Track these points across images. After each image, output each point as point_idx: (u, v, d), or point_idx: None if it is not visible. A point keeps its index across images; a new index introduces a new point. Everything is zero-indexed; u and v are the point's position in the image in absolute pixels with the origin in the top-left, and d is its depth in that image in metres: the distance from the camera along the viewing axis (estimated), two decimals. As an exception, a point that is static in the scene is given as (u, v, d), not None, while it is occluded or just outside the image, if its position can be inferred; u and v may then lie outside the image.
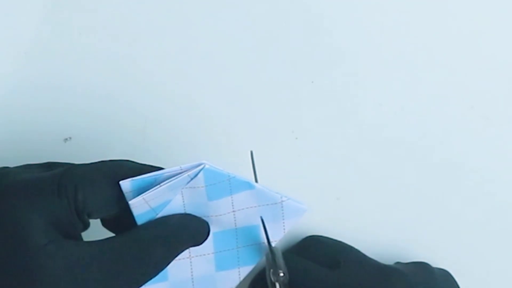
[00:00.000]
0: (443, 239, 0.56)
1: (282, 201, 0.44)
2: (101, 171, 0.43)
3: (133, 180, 0.42)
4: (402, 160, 0.55)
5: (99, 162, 0.43)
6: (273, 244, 0.46)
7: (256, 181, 0.45)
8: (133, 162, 0.44)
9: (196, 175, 0.42)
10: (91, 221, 0.45)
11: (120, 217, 0.43)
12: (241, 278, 0.46)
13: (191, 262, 0.45)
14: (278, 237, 0.45)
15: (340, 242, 0.55)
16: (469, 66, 0.55)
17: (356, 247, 0.54)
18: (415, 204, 0.55)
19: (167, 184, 0.42)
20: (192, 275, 0.45)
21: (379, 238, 0.56)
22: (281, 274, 0.46)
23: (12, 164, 0.47)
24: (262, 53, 0.55)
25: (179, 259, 0.44)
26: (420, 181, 0.55)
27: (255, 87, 0.54)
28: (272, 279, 0.46)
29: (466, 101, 0.55)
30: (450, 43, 0.55)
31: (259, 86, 0.54)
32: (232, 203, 0.44)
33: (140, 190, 0.42)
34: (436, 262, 0.55)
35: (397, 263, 0.55)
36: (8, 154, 0.55)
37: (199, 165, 0.42)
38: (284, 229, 0.46)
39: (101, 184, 0.42)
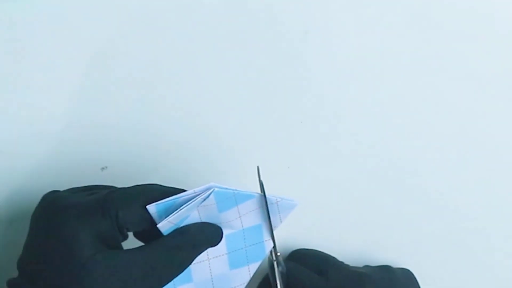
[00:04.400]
0: (406, 244, 0.62)
1: (277, 201, 0.49)
2: (136, 194, 0.47)
3: (157, 204, 0.46)
4: (373, 188, 0.60)
5: (134, 186, 0.48)
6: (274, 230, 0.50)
7: (263, 191, 0.49)
8: (159, 185, 0.48)
9: (207, 197, 0.46)
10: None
11: (149, 229, 0.48)
12: (251, 275, 0.50)
13: (209, 264, 0.49)
14: (276, 225, 0.50)
15: (321, 252, 0.60)
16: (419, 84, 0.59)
17: (335, 253, 0.59)
18: (381, 217, 0.61)
19: (185, 208, 0.46)
20: (211, 275, 0.49)
21: (352, 246, 0.61)
22: (278, 254, 0.51)
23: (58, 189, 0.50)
24: (256, 96, 0.59)
25: (199, 261, 0.48)
26: (384, 197, 0.60)
27: (252, 126, 0.59)
28: (270, 258, 0.51)
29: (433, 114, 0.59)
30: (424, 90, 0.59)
31: (255, 125, 0.59)
32: (238, 211, 0.48)
33: (164, 211, 0.47)
34: (400, 263, 0.61)
35: (366, 266, 0.60)
36: (56, 180, 0.58)
37: (209, 188, 0.46)
38: (280, 219, 0.50)
39: (136, 205, 0.46)
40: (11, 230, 0.58)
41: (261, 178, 0.49)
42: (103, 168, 0.59)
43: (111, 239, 0.46)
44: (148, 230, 0.48)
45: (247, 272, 0.50)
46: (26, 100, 0.56)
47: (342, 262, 0.58)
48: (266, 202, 0.48)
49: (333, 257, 0.59)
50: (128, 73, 0.58)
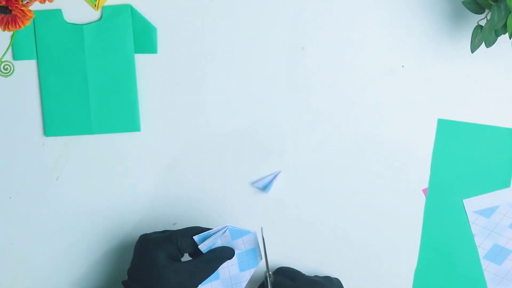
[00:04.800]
0: (336, 263, 0.76)
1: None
2: (187, 232, 0.65)
3: (199, 236, 0.64)
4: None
5: (187, 227, 0.66)
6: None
7: (263, 239, 0.66)
8: (200, 226, 0.67)
9: (225, 232, 0.65)
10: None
11: (195, 250, 0.66)
12: (251, 274, 0.68)
13: (228, 269, 0.67)
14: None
15: (293, 268, 0.74)
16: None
17: (300, 268, 0.73)
18: (321, 252, 0.75)
19: (214, 237, 0.64)
20: (230, 275, 0.67)
21: (308, 265, 0.74)
22: (270, 273, 0.68)
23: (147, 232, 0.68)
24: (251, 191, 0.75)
25: (223, 267, 0.66)
26: (326, 243, 0.75)
27: (247, 201, 0.75)
28: (265, 272, 0.69)
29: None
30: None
31: (249, 200, 0.75)
32: (243, 240, 0.66)
33: (202, 239, 0.64)
34: (332, 274, 0.75)
35: (316, 276, 0.73)
36: (147, 229, 0.74)
37: (226, 227, 0.64)
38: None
39: (188, 237, 0.65)
40: (124, 256, 0.75)
41: (261, 228, 0.69)
42: (174, 224, 0.75)
43: (175, 256, 0.66)
44: (194, 250, 0.67)
45: (249, 273, 0.68)
46: (128, 189, 0.75)
47: (304, 274, 0.73)
48: (263, 243, 0.67)
49: (299, 271, 0.74)
50: (188, 169, 0.75)
